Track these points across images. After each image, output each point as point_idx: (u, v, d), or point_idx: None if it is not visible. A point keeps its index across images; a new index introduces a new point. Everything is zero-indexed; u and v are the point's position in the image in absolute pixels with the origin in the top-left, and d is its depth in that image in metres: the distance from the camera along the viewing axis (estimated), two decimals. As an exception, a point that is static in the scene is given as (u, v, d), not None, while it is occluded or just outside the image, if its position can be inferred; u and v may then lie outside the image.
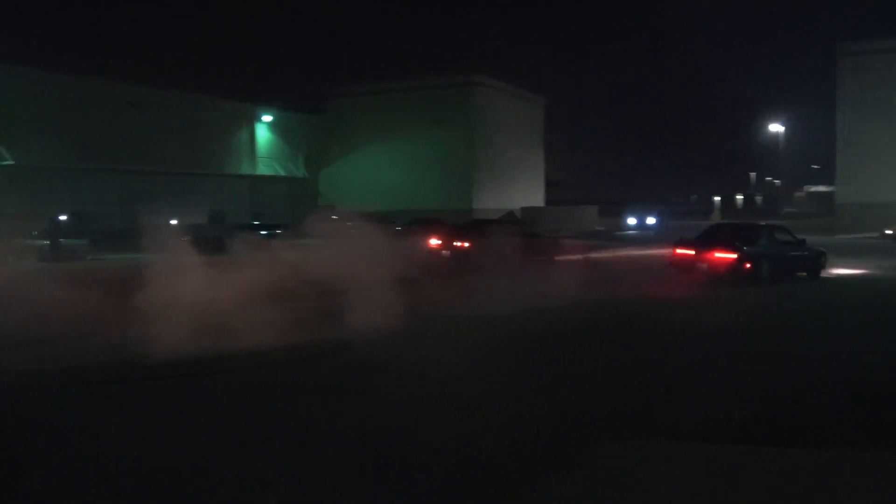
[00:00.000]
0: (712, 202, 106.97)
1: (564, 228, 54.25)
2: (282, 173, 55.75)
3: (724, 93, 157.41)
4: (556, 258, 23.82)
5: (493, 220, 36.15)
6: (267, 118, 55.00)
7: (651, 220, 56.46)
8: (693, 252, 18.42)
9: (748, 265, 17.62)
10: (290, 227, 42.38)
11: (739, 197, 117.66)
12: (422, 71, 60.21)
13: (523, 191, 63.74)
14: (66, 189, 40.66)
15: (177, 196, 46.67)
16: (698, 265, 18.12)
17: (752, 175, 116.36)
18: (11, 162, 38.25)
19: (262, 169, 54.47)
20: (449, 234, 25.34)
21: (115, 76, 45.88)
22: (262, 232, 38.12)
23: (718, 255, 17.86)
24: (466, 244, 23.51)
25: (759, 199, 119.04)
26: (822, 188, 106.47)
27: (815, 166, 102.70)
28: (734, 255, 17.62)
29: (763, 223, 21.89)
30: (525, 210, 61.99)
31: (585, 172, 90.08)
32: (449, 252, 24.37)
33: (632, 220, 57.21)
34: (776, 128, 58.73)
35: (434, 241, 25.41)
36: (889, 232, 36.77)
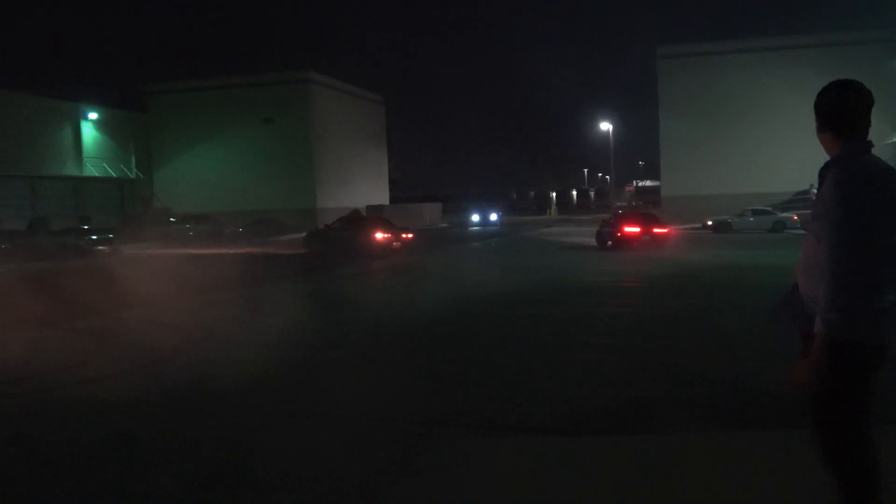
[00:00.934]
0: (549, 198, 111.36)
1: (409, 226, 54.86)
2: (112, 174, 52.67)
3: (558, 92, 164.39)
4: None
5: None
6: (93, 115, 51.77)
7: (493, 217, 58.08)
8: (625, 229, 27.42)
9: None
10: (119, 231, 40.36)
11: (574, 192, 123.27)
12: (253, 67, 58.76)
13: (367, 189, 63.77)
14: None
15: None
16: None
17: (585, 171, 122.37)
18: None
19: (90, 170, 51.19)
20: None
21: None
22: (93, 237, 35.98)
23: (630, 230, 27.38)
24: None
25: (591, 193, 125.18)
26: (648, 183, 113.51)
27: (641, 162, 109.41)
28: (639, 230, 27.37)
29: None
30: (370, 208, 62.05)
31: (429, 170, 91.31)
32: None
33: (475, 217, 58.58)
34: (606, 126, 61.99)
35: None
36: (710, 223, 39.68)
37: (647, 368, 8.26)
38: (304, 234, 34.33)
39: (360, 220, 31.46)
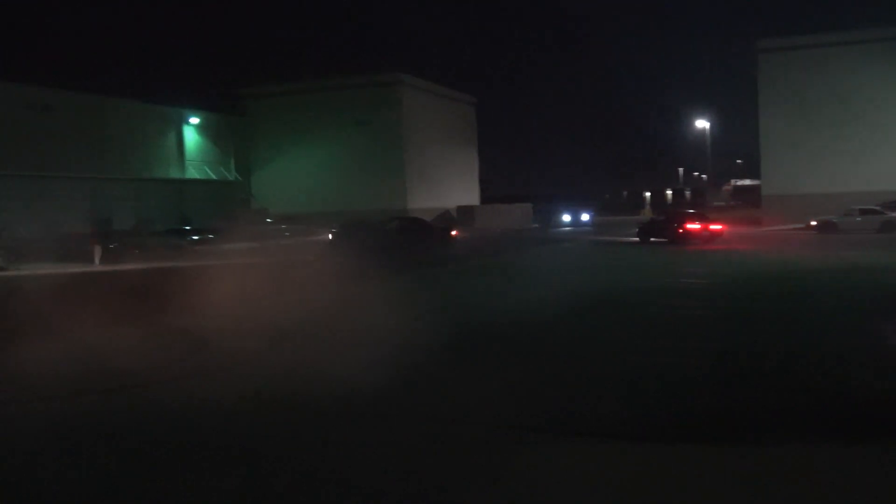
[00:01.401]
0: (643, 197, 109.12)
1: (499, 226, 54.82)
2: (212, 177, 54.69)
3: (653, 88, 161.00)
4: None
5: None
6: (194, 120, 53.96)
7: (585, 217, 57.38)
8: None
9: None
10: (220, 232, 41.82)
11: (669, 192, 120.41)
12: (346, 70, 59.70)
13: (458, 190, 64.12)
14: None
15: (92, 202, 45.34)
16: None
17: (681, 170, 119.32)
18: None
19: (192, 172, 53.34)
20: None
21: (26, 79, 44.16)
22: (194, 237, 37.43)
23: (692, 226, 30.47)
24: None
25: (687, 193, 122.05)
26: (747, 182, 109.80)
27: (739, 161, 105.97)
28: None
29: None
30: (461, 209, 62.32)
31: (519, 170, 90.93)
32: None
33: (566, 217, 58.02)
34: (703, 124, 60.32)
35: None
36: (814, 223, 38.07)
37: (753, 374, 7.98)
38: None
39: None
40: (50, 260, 33.14)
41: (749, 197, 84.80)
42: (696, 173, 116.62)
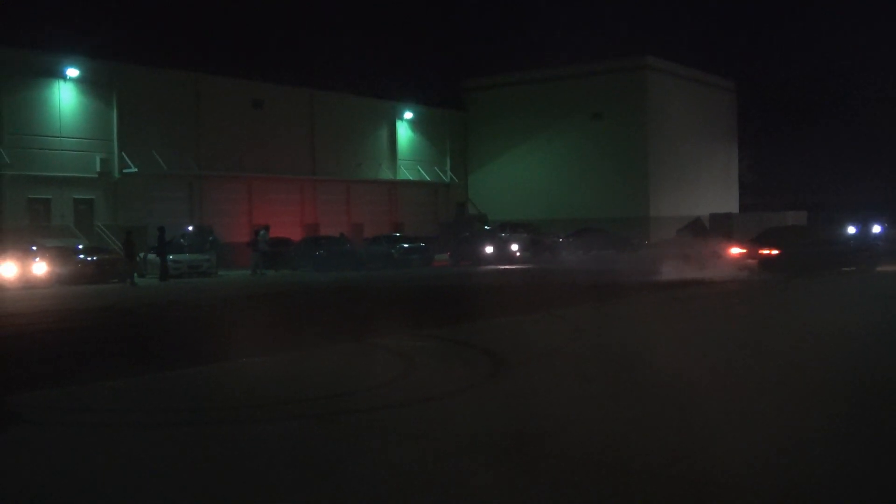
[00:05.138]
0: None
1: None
2: (426, 178, 55.60)
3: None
4: None
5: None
6: (408, 115, 54.94)
7: (876, 229, 51.88)
8: None
9: None
10: (434, 241, 42.09)
11: None
12: (579, 55, 58.07)
13: (711, 194, 60.49)
14: (185, 198, 42.17)
15: (306, 206, 47.49)
16: None
17: None
18: (134, 169, 39.98)
19: (404, 173, 54.45)
20: None
21: (238, 73, 47.00)
22: (404, 245, 37.83)
23: None
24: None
25: None
26: None
27: None
28: None
29: None
30: (714, 217, 58.76)
31: (794, 172, 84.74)
32: None
33: (851, 229, 52.87)
34: None
35: None
36: None
37: None
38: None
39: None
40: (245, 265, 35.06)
41: None
42: None
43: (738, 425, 7.43)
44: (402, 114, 54.78)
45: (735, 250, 26.56)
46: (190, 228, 38.73)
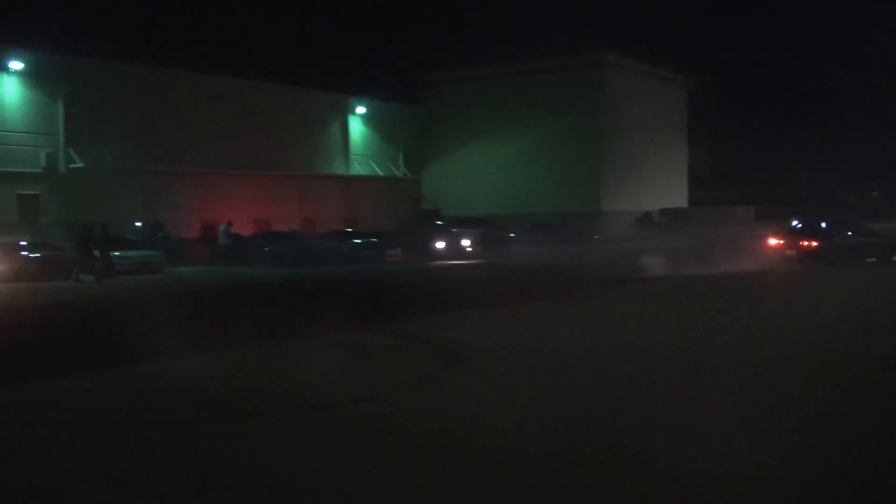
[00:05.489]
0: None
1: (711, 234, 51.62)
2: (378, 172, 55.43)
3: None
4: None
5: None
6: (361, 110, 54.76)
7: (822, 225, 52.81)
8: None
9: None
10: (386, 236, 41.96)
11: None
12: (537, 51, 58.37)
13: (661, 189, 61.18)
14: (136, 194, 41.50)
15: (258, 201, 47.11)
16: None
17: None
18: (81, 164, 39.30)
19: (357, 168, 54.26)
20: None
21: (193, 67, 46.41)
22: (356, 241, 37.68)
23: None
24: None
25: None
26: None
27: None
28: None
29: None
30: (664, 212, 59.51)
31: (746, 166, 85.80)
32: None
33: (796, 224, 53.77)
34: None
35: None
36: None
37: None
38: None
39: None
40: (204, 262, 34.70)
41: None
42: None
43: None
44: (357, 108, 54.59)
45: (773, 241, 29.75)
46: (139, 224, 38.13)
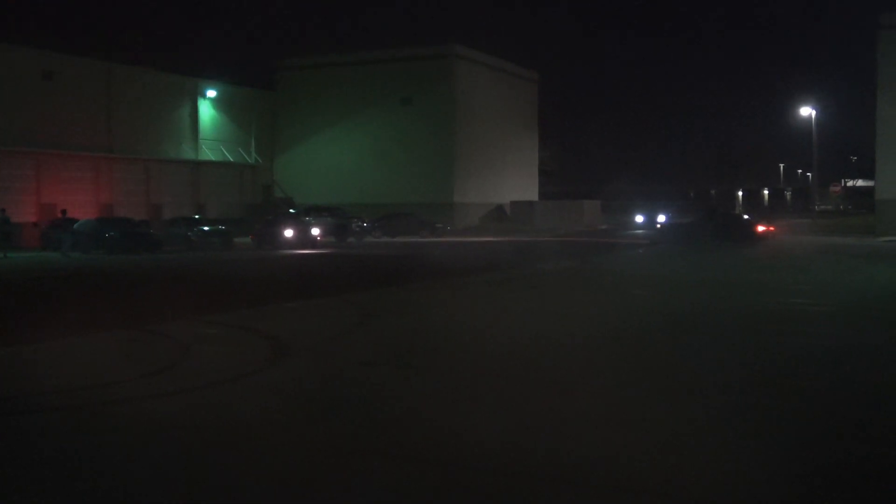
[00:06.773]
0: (735, 198, 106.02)
1: (559, 227, 53.29)
2: (229, 158, 54.21)
3: (750, 72, 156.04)
4: None
5: None
6: (211, 93, 53.38)
7: (661, 218, 55.37)
8: None
9: None
10: (235, 224, 41.19)
11: (766, 192, 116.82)
12: (390, 41, 58.58)
13: (514, 182, 62.52)
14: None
15: (100, 185, 45.24)
16: None
17: (781, 167, 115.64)
18: None
19: (206, 153, 52.87)
20: None
21: (27, 42, 44.01)
22: (204, 228, 36.85)
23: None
24: None
25: (787, 194, 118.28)
26: (861, 183, 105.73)
27: (854, 157, 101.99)
28: None
29: None
30: (515, 205, 60.82)
31: (591, 162, 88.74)
32: None
33: (639, 218, 56.15)
34: (808, 112, 57.68)
35: None
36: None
37: None
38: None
39: None
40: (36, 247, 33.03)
41: (863, 200, 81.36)
42: (801, 171, 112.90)
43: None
44: (207, 92, 53.17)
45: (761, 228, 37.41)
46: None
